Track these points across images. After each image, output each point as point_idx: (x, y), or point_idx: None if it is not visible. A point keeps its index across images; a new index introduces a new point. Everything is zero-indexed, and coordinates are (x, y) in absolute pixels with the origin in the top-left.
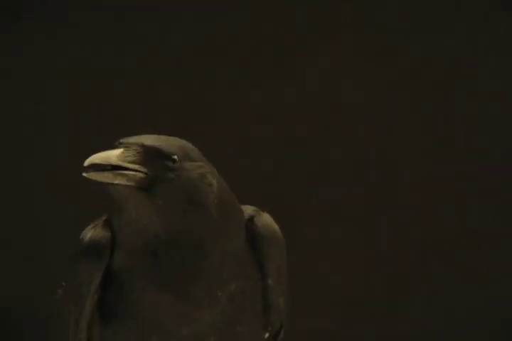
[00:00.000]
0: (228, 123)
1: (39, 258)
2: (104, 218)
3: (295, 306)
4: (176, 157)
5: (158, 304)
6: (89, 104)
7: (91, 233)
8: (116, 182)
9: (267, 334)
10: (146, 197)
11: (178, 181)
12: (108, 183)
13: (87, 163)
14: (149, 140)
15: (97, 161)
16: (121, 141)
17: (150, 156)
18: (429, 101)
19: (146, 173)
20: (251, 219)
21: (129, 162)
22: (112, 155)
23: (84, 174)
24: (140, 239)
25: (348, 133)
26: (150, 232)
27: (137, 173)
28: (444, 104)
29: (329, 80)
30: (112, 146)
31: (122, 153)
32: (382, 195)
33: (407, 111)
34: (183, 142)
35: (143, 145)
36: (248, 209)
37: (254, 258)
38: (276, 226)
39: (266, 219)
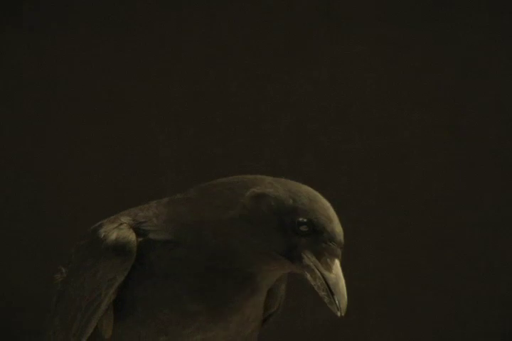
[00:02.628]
0: (240, 115)
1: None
2: (123, 219)
3: (303, 296)
4: None
5: (184, 314)
6: (91, 103)
7: (116, 233)
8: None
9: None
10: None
11: None
12: None
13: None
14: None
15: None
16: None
17: None
18: (443, 94)
19: None
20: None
21: None
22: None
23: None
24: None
25: (359, 126)
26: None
27: None
28: (456, 97)
29: (341, 72)
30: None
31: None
32: (394, 187)
33: (420, 102)
34: None
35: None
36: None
37: None
38: None
39: None
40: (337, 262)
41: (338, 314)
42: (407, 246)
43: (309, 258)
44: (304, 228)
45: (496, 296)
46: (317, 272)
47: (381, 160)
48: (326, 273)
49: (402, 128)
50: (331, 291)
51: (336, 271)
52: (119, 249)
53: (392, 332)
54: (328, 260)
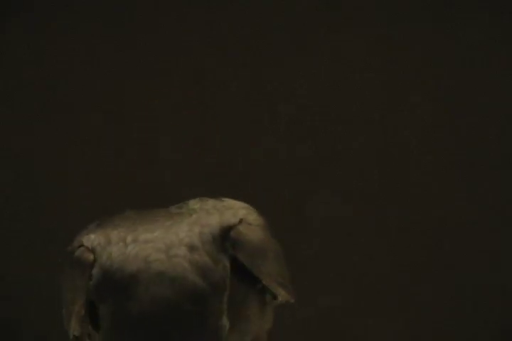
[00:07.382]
0: (240, 114)
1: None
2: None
3: (307, 283)
4: None
5: None
6: (91, 102)
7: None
8: None
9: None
10: None
11: None
12: None
13: None
14: None
15: None
16: None
17: None
18: (443, 93)
19: None
20: (235, 226)
21: None
22: None
23: None
24: None
25: (358, 123)
26: None
27: None
28: (456, 97)
29: (341, 71)
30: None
31: None
32: (393, 184)
33: (419, 102)
34: None
35: None
36: (235, 210)
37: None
38: (263, 237)
39: (250, 233)
40: None
41: None
42: (407, 245)
43: None
44: None
45: (495, 296)
46: None
47: (380, 158)
48: None
49: (402, 127)
50: None
51: None
52: (78, 263)
53: (392, 322)
54: None
